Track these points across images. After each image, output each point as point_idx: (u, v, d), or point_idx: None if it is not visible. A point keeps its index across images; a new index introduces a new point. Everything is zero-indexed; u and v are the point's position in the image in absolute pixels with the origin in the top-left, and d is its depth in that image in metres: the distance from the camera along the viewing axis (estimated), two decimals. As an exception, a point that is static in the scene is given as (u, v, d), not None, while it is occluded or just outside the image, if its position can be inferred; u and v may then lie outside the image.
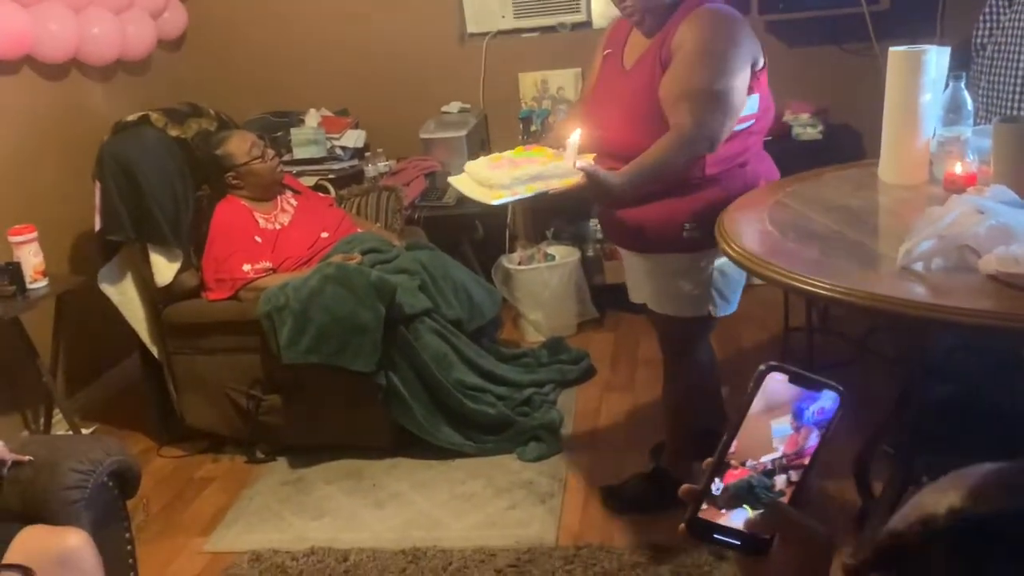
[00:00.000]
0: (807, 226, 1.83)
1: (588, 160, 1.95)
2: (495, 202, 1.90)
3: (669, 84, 1.97)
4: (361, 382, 2.71)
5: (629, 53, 2.12)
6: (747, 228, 1.83)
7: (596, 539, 2.35)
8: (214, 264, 2.94)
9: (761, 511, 0.76)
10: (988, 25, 2.46)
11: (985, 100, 2.38)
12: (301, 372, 2.74)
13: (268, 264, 2.95)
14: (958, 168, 1.86)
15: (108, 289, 2.96)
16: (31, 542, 1.70)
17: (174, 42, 4.06)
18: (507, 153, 2.03)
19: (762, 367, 0.76)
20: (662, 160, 1.91)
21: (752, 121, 2.06)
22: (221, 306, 2.91)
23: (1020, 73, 2.30)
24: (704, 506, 0.76)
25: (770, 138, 3.36)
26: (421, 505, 2.60)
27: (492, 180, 1.90)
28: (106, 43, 3.46)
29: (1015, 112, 2.30)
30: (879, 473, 2.15)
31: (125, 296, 2.99)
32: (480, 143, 3.81)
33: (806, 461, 0.77)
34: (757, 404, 0.76)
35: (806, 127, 3.49)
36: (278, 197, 3.12)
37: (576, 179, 1.84)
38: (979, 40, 2.49)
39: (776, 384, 0.76)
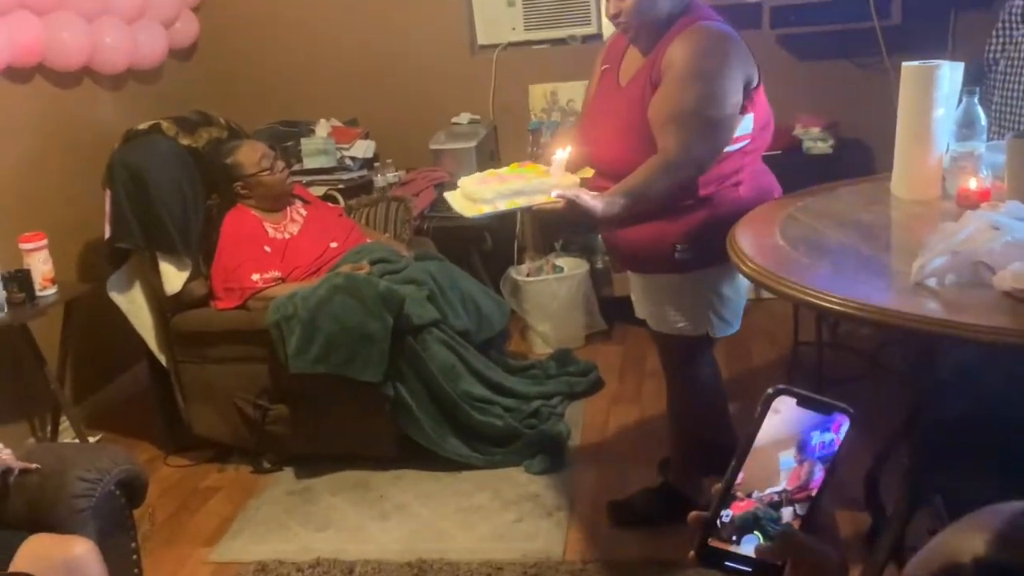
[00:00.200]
0: (819, 240, 1.82)
1: (575, 180, 1.96)
2: (474, 215, 1.92)
3: (657, 105, 1.94)
4: (368, 392, 2.71)
5: (625, 69, 2.09)
6: (758, 242, 1.81)
7: (603, 553, 2.33)
8: (223, 273, 2.94)
9: (772, 538, 0.75)
10: (1000, 40, 2.46)
11: (998, 115, 2.37)
12: (308, 382, 2.74)
13: (277, 274, 2.95)
14: (972, 183, 1.85)
15: (117, 297, 2.97)
16: (37, 550, 1.69)
17: (185, 51, 4.08)
18: (502, 170, 2.05)
19: (769, 390, 0.75)
20: (645, 184, 1.89)
21: (747, 141, 2.02)
22: (229, 315, 2.91)
23: (1034, 88, 2.29)
24: (713, 533, 0.76)
25: (779, 152, 3.40)
26: (427, 517, 2.59)
27: (476, 195, 1.93)
28: (118, 52, 3.48)
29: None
30: (890, 490, 2.13)
31: (134, 304, 2.99)
32: (490, 154, 3.82)
33: (812, 494, 0.76)
34: (765, 430, 0.75)
35: (816, 141, 3.48)
36: (288, 207, 3.13)
37: (556, 201, 1.84)
38: (991, 55, 2.49)
39: (784, 408, 0.75)
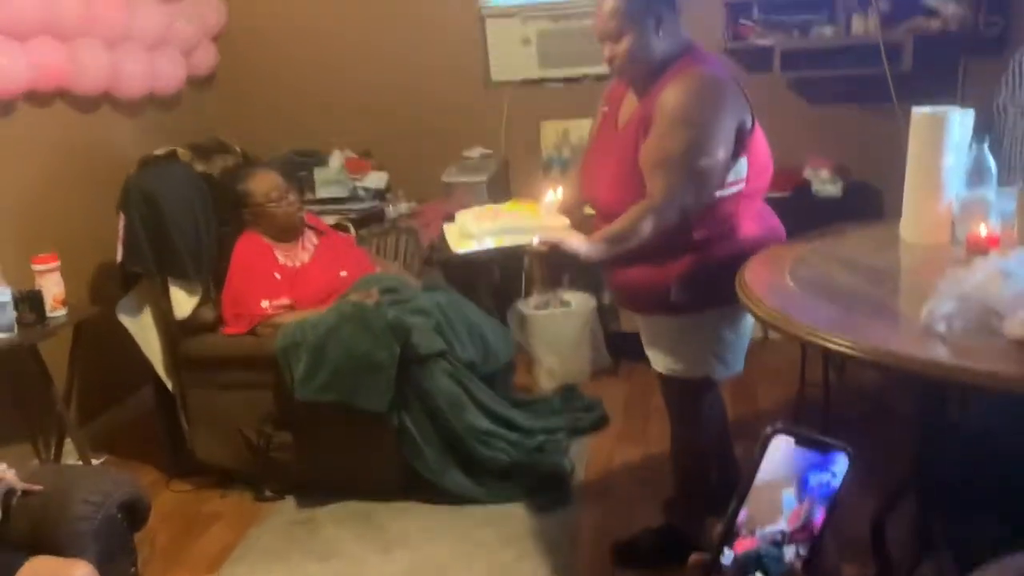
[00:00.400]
0: (829, 283, 1.82)
1: (564, 222, 1.97)
2: (459, 250, 1.94)
3: (647, 150, 1.95)
4: (373, 422, 2.71)
5: (623, 112, 2.10)
6: (768, 282, 1.82)
7: (605, 593, 2.31)
8: (233, 299, 2.96)
9: None
10: (1010, 88, 2.48)
11: (1007, 162, 2.39)
12: (313, 410, 2.74)
13: (286, 300, 2.96)
14: (982, 230, 1.85)
15: (126, 320, 2.98)
16: (38, 572, 1.69)
17: (204, 79, 4.14)
18: (502, 206, 2.07)
19: (768, 429, 0.75)
20: (630, 228, 1.90)
21: (741, 185, 2.01)
22: (238, 341, 2.92)
23: (1044, 137, 2.31)
24: (716, 572, 0.75)
25: (789, 194, 3.42)
26: (428, 551, 2.57)
27: (468, 230, 1.94)
28: (138, 79, 3.53)
29: (1038, 175, 2.30)
30: (896, 536, 2.11)
31: (143, 328, 3.00)
32: (501, 189, 3.84)
33: (814, 534, 0.76)
34: (765, 469, 0.75)
35: (826, 184, 3.50)
36: (300, 236, 3.15)
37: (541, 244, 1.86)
38: (1001, 103, 2.51)
39: (783, 447, 0.75)
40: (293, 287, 3.01)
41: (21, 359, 2.85)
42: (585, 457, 3.00)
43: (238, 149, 3.37)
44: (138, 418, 3.44)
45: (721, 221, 2.02)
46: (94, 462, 3.04)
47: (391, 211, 3.79)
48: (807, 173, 3.54)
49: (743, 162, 1.99)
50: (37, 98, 3.17)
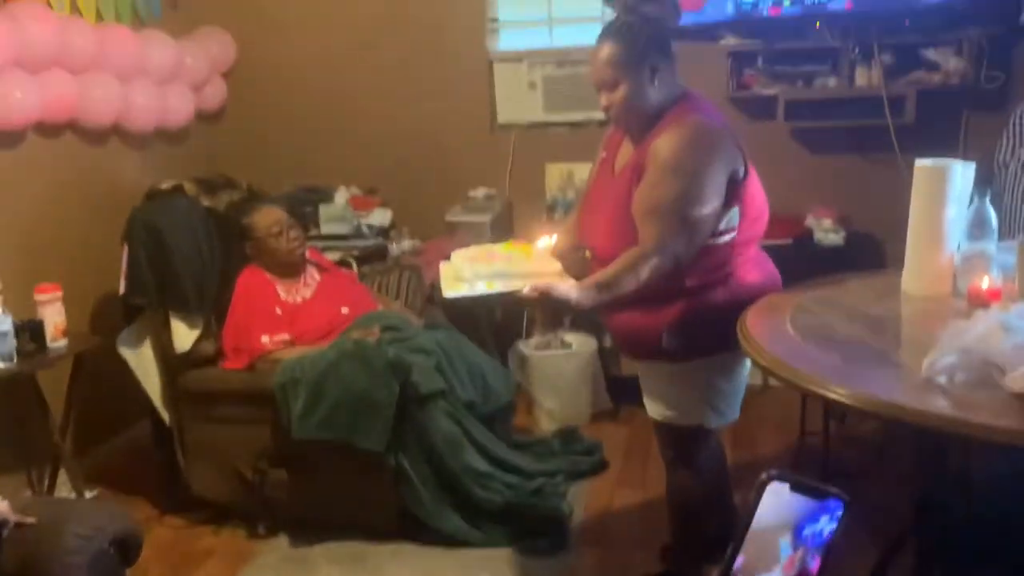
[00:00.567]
0: (829, 332, 1.82)
1: (556, 268, 1.98)
2: (449, 294, 1.94)
3: (638, 197, 1.96)
4: (370, 461, 2.69)
5: (620, 158, 2.11)
6: (768, 330, 1.82)
7: (600, 641, 2.28)
8: (233, 333, 2.96)
9: None
10: (1011, 143, 2.51)
11: (1008, 216, 2.40)
12: (310, 447, 2.72)
13: (287, 336, 2.96)
14: (983, 283, 1.86)
15: (126, 352, 2.98)
16: (26, 607, 1.67)
17: (212, 114, 4.19)
18: (497, 247, 2.07)
19: (763, 476, 0.76)
20: (621, 275, 1.90)
21: (734, 233, 2.01)
22: (237, 376, 2.91)
23: (1045, 192, 2.32)
24: None
25: (791, 241, 3.44)
26: (422, 593, 2.53)
27: (461, 272, 1.95)
28: (147, 113, 3.57)
29: (1039, 230, 2.31)
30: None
31: (142, 360, 3.00)
32: (504, 229, 3.87)
33: None
34: (761, 516, 0.75)
35: (828, 233, 3.51)
36: (303, 272, 3.16)
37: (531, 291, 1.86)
38: (1002, 157, 2.53)
39: (779, 494, 0.75)
40: (294, 323, 3.01)
41: (19, 388, 2.85)
42: (583, 501, 2.98)
43: (244, 184, 3.39)
44: (133, 451, 3.42)
45: (714, 268, 2.02)
46: (87, 495, 3.02)
47: (394, 249, 3.80)
48: (809, 222, 3.56)
49: (735, 211, 1.99)
50: (46, 129, 3.20)
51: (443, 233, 3.81)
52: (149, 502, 3.09)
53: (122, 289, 2.98)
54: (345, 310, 3.11)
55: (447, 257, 2.08)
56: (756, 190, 2.06)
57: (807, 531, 0.75)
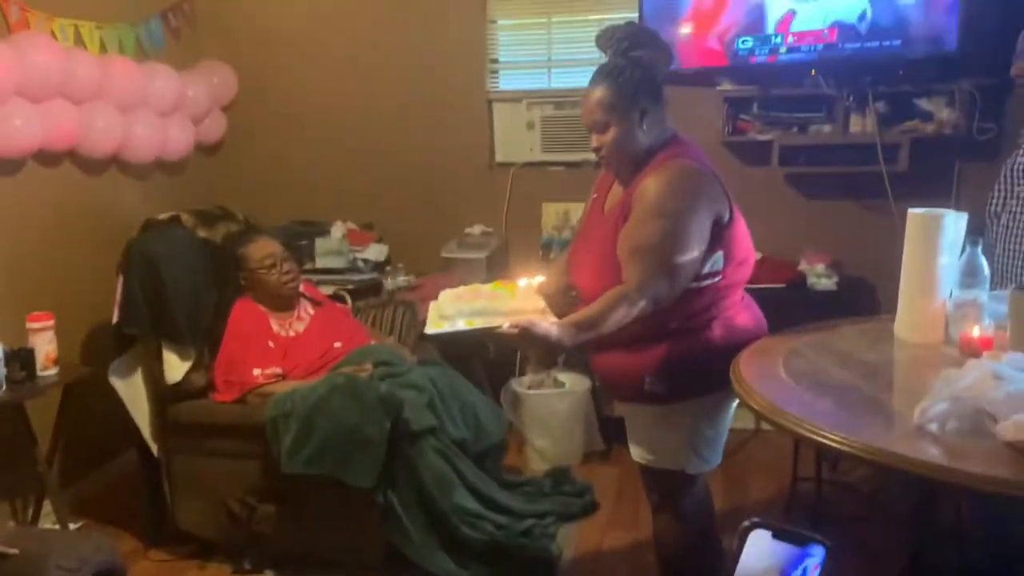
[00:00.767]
0: (822, 377, 1.83)
1: (538, 305, 1.98)
2: (430, 331, 1.94)
3: (623, 238, 1.96)
4: (359, 498, 2.66)
5: (610, 199, 2.13)
6: (761, 373, 1.83)
7: None
8: (225, 365, 2.95)
9: None
10: (1002, 195, 2.53)
11: (1000, 267, 2.42)
12: (299, 483, 2.70)
13: (278, 370, 2.95)
14: (975, 331, 1.87)
15: (117, 383, 2.96)
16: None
17: (212, 147, 4.21)
18: (485, 286, 2.08)
19: (745, 523, 0.76)
20: (602, 315, 1.89)
21: (718, 277, 2.01)
22: (227, 408, 2.90)
23: (1036, 243, 2.34)
24: None
25: (784, 285, 3.45)
26: (408, 634, 2.50)
27: (444, 309, 1.96)
28: (148, 144, 3.59)
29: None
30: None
31: (133, 391, 2.98)
32: (500, 266, 3.88)
33: None
34: (744, 562, 0.76)
35: (821, 277, 3.53)
36: (297, 306, 3.16)
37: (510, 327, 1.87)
38: (994, 208, 2.56)
39: (761, 541, 0.76)
40: (286, 357, 3.00)
41: (7, 417, 2.83)
42: (573, 542, 2.95)
43: (241, 216, 3.40)
44: (120, 483, 3.39)
45: (698, 312, 2.02)
46: (72, 526, 2.98)
47: (389, 284, 3.81)
48: (802, 266, 3.58)
49: (720, 255, 1.99)
50: (46, 158, 3.22)
51: (439, 269, 3.83)
52: (134, 535, 3.05)
53: (115, 318, 2.97)
54: (338, 345, 3.11)
55: (435, 297, 2.10)
56: (742, 234, 2.06)
57: (792, 575, 0.75)
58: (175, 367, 2.94)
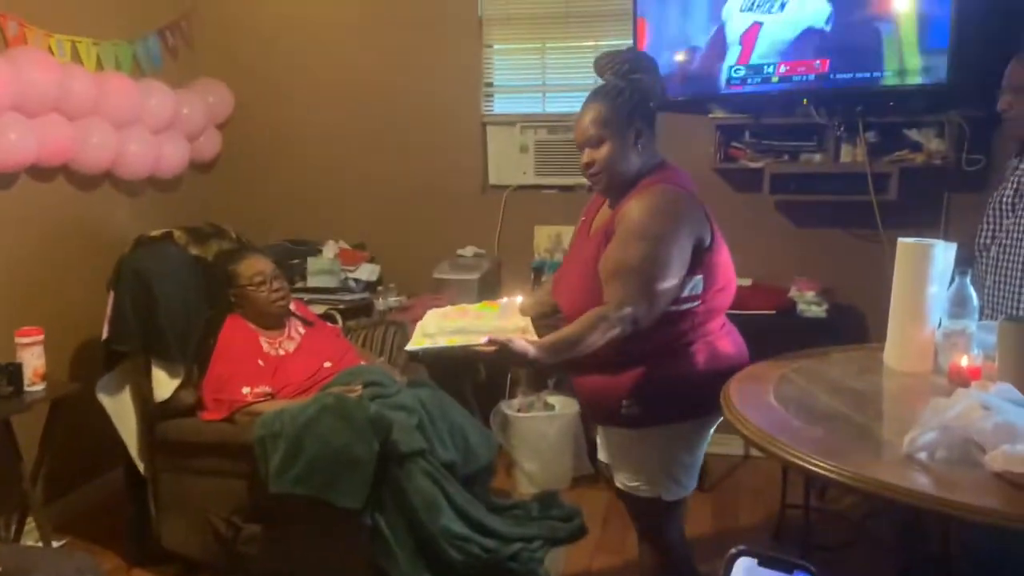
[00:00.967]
0: (812, 404, 1.83)
1: (518, 324, 1.99)
2: (411, 348, 1.96)
3: (604, 260, 1.98)
4: (346, 520, 2.64)
5: (597, 221, 2.15)
6: (752, 401, 1.83)
7: None
8: (215, 383, 2.94)
9: None
10: (991, 227, 2.55)
11: (991, 299, 2.43)
12: (286, 503, 2.67)
13: (267, 389, 2.94)
14: (963, 361, 1.88)
15: (105, 399, 2.94)
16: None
17: (206, 164, 4.22)
18: (472, 306, 2.09)
19: (732, 551, 0.77)
20: (580, 334, 1.89)
21: (698, 302, 2.01)
22: (215, 427, 2.88)
23: (1025, 275, 2.36)
24: None
25: (774, 312, 3.47)
26: (394, 658, 2.47)
27: (428, 328, 1.98)
28: (142, 160, 3.60)
29: (1020, 311, 2.34)
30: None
31: (120, 407, 2.96)
32: (492, 288, 3.88)
33: None
34: None
35: (811, 305, 3.55)
36: (287, 325, 3.15)
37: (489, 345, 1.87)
38: (983, 241, 2.58)
39: (748, 568, 0.76)
40: (275, 376, 2.99)
41: (-8, 432, 2.80)
42: (561, 567, 2.94)
43: (234, 234, 3.40)
44: (105, 500, 3.36)
45: (676, 336, 2.02)
46: (55, 544, 2.95)
47: (380, 304, 3.81)
48: (792, 293, 3.60)
49: (700, 279, 2.00)
50: (40, 173, 3.22)
51: (430, 290, 3.83)
52: (118, 554, 3.02)
53: (105, 334, 2.96)
54: (328, 364, 3.10)
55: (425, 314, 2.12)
56: (724, 261, 2.07)
57: None
58: (164, 384, 2.92)
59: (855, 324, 3.66)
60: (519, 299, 2.09)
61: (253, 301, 3.06)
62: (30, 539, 2.98)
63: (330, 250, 3.98)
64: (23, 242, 3.18)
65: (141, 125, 3.57)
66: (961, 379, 1.84)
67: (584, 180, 2.16)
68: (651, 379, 2.01)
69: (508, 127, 4.09)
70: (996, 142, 3.41)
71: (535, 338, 1.92)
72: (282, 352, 3.07)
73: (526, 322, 2.02)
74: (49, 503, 3.17)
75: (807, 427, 1.69)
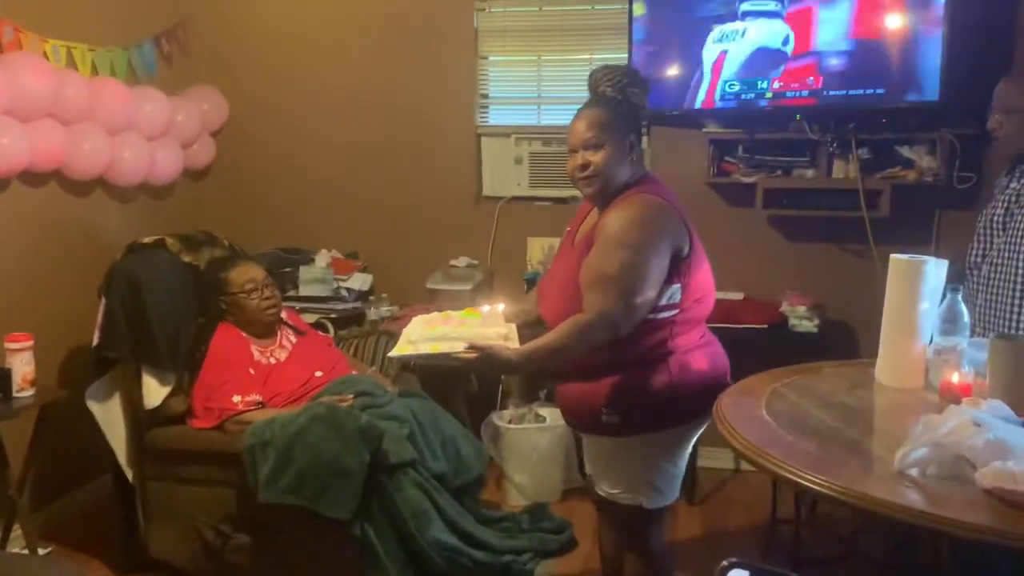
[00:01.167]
0: (804, 419, 1.84)
1: (500, 331, 2.00)
2: (394, 354, 1.97)
3: (584, 268, 2.00)
4: (335, 531, 2.63)
5: (580, 232, 2.17)
6: (743, 415, 1.83)
7: None
8: (205, 391, 2.92)
9: None
10: (982, 246, 2.57)
11: (982, 316, 2.45)
12: (275, 513, 2.66)
13: (258, 397, 2.93)
14: (954, 377, 1.89)
15: (94, 406, 2.93)
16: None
17: (199, 172, 4.21)
18: (457, 313, 2.10)
19: (724, 563, 0.77)
20: (559, 342, 1.91)
21: (676, 311, 2.03)
22: (205, 435, 2.87)
23: (1017, 292, 2.37)
24: None
25: (766, 326, 3.47)
26: (381, 670, 2.46)
27: (412, 335, 1.98)
28: (134, 167, 3.58)
29: (1011, 329, 2.36)
30: None
31: (110, 415, 2.95)
32: (484, 299, 3.87)
33: None
34: None
35: (802, 319, 3.55)
36: (279, 334, 3.14)
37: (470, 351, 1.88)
38: (973, 259, 2.59)
39: None
40: (266, 384, 2.98)
41: (-20, 438, 2.78)
42: (550, 580, 2.92)
43: (226, 242, 3.39)
44: (92, 508, 3.33)
45: (654, 345, 2.04)
46: (41, 551, 2.92)
47: (372, 313, 3.80)
48: (784, 308, 3.61)
49: (677, 288, 2.02)
50: (32, 178, 3.20)
51: (423, 300, 3.82)
52: (104, 562, 3.00)
53: (96, 341, 2.95)
54: (319, 374, 3.09)
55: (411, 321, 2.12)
56: (703, 272, 2.10)
57: None
58: (154, 392, 2.91)
59: (846, 339, 3.67)
60: (501, 307, 2.11)
61: (244, 308, 3.06)
62: (16, 546, 2.95)
63: (323, 259, 3.97)
64: (14, 247, 3.17)
65: (135, 131, 3.57)
66: (952, 396, 1.85)
67: (578, 192, 2.18)
68: (630, 388, 2.03)
69: (503, 139, 4.09)
70: (987, 160, 3.44)
71: (517, 345, 1.94)
72: (273, 361, 3.07)
73: (509, 328, 2.03)
74: (36, 510, 3.15)
75: (798, 441, 1.69)
